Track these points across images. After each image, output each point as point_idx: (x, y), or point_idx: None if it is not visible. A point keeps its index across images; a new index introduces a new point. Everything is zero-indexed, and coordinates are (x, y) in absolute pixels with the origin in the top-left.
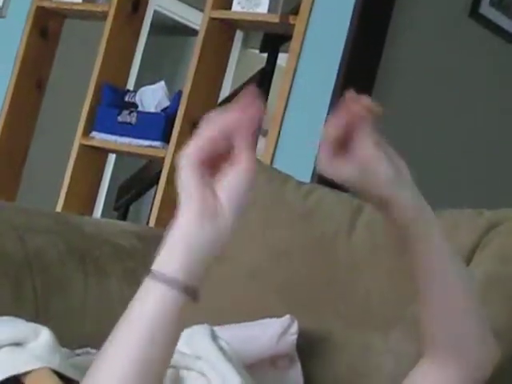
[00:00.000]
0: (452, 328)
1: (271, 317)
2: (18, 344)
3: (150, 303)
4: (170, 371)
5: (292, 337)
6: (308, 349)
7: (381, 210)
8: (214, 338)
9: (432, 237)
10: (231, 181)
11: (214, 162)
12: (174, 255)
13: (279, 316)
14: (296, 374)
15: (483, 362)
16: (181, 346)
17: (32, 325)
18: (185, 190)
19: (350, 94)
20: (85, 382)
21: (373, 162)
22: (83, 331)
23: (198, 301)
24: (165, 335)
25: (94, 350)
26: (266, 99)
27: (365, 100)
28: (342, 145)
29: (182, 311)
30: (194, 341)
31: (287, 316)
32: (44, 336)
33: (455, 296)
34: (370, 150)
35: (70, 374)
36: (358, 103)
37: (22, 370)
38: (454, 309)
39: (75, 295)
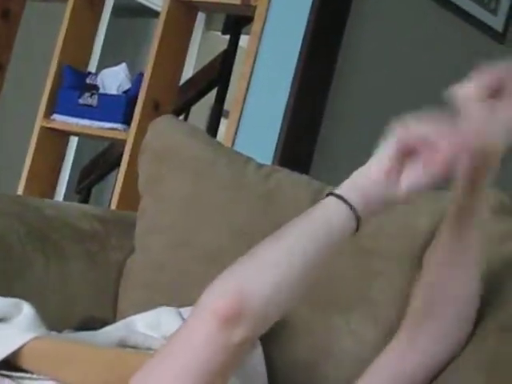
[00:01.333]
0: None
1: None
2: (1, 320)
3: (332, 217)
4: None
5: None
6: (269, 331)
7: (475, 176)
8: (182, 319)
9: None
10: (418, 173)
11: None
12: (359, 192)
13: None
14: (257, 357)
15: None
16: (144, 328)
17: (12, 300)
18: (384, 152)
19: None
20: (238, 275)
21: None
22: (44, 314)
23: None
24: (331, 249)
25: (54, 332)
26: (228, 81)
27: None
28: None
29: (345, 236)
30: (162, 322)
31: None
32: (27, 309)
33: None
34: None
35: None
36: None
37: (14, 348)
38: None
39: (36, 278)
